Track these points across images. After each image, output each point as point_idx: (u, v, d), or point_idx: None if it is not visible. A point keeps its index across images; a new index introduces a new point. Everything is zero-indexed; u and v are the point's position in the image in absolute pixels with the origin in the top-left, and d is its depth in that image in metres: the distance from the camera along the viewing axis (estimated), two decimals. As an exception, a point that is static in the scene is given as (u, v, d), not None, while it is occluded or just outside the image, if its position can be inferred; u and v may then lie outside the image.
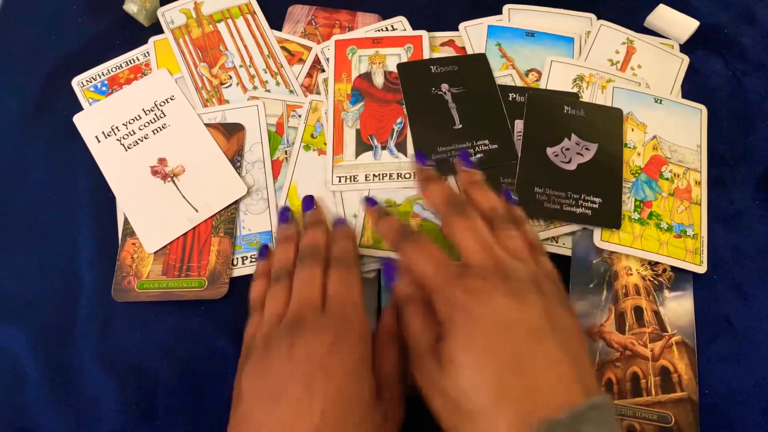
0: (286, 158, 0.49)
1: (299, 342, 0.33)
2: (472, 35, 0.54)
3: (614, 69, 0.52)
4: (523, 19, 0.55)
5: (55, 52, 0.54)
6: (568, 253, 0.46)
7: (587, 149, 0.48)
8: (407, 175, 0.47)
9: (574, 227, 0.46)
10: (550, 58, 0.52)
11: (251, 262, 0.46)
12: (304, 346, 0.33)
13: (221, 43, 0.53)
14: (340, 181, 0.47)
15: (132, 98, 0.51)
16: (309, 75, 0.52)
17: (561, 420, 0.28)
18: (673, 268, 0.46)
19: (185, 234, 0.46)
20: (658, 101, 0.50)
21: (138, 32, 0.54)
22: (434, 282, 0.34)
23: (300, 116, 0.50)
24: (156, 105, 0.50)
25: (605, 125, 0.49)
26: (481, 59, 0.51)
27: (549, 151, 0.48)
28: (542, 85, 0.51)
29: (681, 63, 0.54)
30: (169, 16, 0.54)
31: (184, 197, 0.47)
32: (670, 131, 0.50)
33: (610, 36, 0.54)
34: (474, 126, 0.48)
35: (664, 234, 0.47)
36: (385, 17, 0.55)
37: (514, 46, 0.53)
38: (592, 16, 0.55)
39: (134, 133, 0.49)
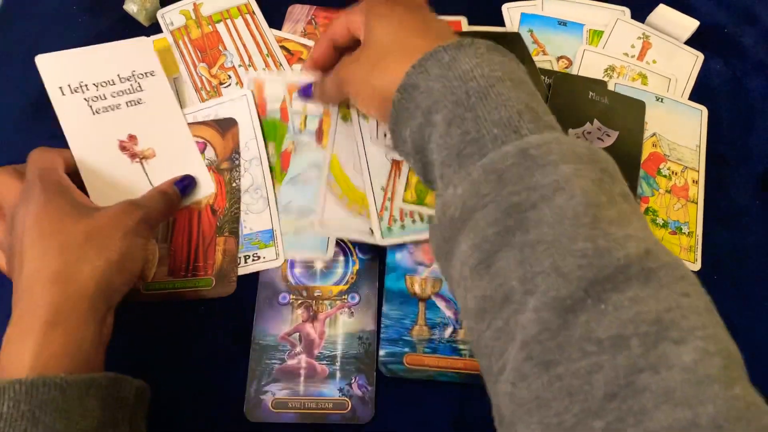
0: (293, 150, 0.48)
1: None
2: (513, 18, 0.56)
3: (645, 63, 0.53)
4: (557, 8, 0.56)
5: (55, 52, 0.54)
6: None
7: (608, 135, 0.48)
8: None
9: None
10: (582, 47, 0.53)
11: (253, 260, 0.46)
12: None
13: (220, 43, 0.53)
14: (386, 136, 0.49)
15: (108, 59, 0.48)
16: (309, 75, 0.52)
17: (441, 47, 0.33)
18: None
19: (189, 234, 0.46)
20: (660, 99, 0.50)
21: (138, 32, 0.54)
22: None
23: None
24: (134, 75, 0.48)
25: (627, 115, 0.49)
26: (517, 38, 0.52)
27: (571, 132, 0.48)
28: (573, 72, 0.52)
29: (696, 60, 0.54)
30: (168, 17, 0.54)
31: (150, 183, 0.46)
32: (669, 129, 0.50)
33: (627, 30, 0.54)
34: None
35: (660, 230, 0.47)
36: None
37: (546, 34, 0.54)
38: (626, 8, 0.55)
39: (105, 98, 0.46)
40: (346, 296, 0.45)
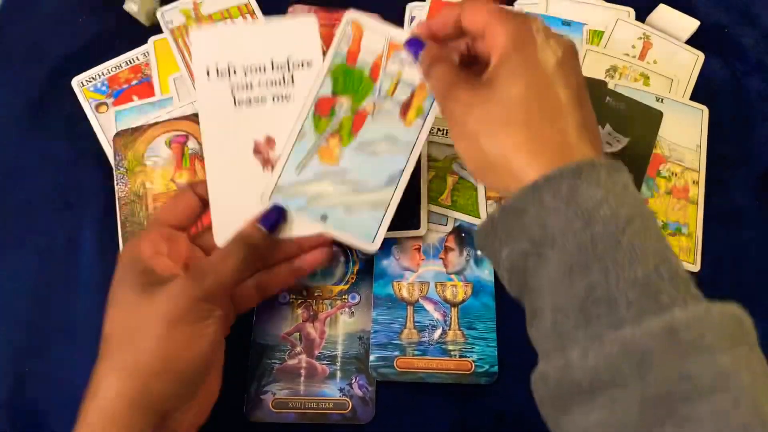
0: (372, 113, 0.40)
1: None
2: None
3: (646, 63, 0.53)
4: (561, 8, 0.56)
5: (55, 52, 0.54)
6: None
7: (618, 141, 0.48)
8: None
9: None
10: (585, 47, 0.53)
11: None
12: None
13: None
14: None
15: (264, 39, 0.41)
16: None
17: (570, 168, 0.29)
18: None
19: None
20: (660, 100, 0.50)
21: (138, 32, 0.54)
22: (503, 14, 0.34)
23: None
24: (289, 64, 0.41)
25: (642, 123, 0.49)
26: None
27: None
28: None
29: (696, 60, 0.54)
30: (168, 16, 0.54)
31: None
32: (669, 130, 0.50)
33: (627, 31, 0.54)
34: None
35: (660, 231, 0.47)
36: (385, 17, 0.55)
37: None
38: (630, 9, 0.55)
39: (251, 87, 0.40)
40: (346, 296, 0.45)
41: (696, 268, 0.46)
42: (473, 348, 0.43)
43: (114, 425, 0.30)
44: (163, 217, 0.38)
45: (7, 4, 0.57)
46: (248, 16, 0.54)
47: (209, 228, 0.40)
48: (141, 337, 0.32)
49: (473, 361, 0.43)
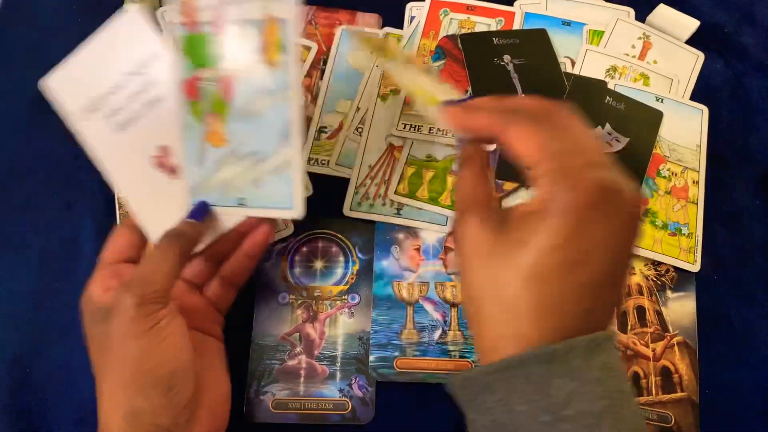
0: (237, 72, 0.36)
1: None
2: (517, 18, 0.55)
3: (646, 63, 0.53)
4: (561, 8, 0.56)
5: (55, 52, 0.54)
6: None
7: (617, 141, 0.48)
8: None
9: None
10: (585, 47, 0.53)
11: None
12: None
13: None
14: (405, 128, 0.49)
15: (105, 55, 0.39)
16: (308, 75, 0.52)
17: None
18: (676, 269, 0.46)
19: None
20: (660, 100, 0.50)
21: (138, 32, 0.54)
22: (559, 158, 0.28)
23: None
24: (139, 64, 0.38)
25: (642, 123, 0.49)
26: (542, 34, 0.52)
27: None
28: (575, 72, 0.52)
29: (696, 60, 0.54)
30: (168, 16, 0.54)
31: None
32: (670, 130, 0.50)
33: (627, 30, 0.54)
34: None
35: (659, 232, 0.47)
36: (385, 17, 0.55)
37: (550, 34, 0.53)
38: (630, 9, 0.55)
39: (123, 107, 0.38)
40: (346, 296, 0.45)
41: (696, 268, 0.46)
42: (473, 348, 0.43)
43: None
44: (106, 258, 0.38)
45: (7, 5, 0.57)
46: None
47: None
48: (110, 365, 0.33)
49: (473, 362, 0.43)
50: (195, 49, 0.36)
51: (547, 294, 0.26)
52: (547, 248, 0.26)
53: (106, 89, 0.38)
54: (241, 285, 0.42)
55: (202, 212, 0.37)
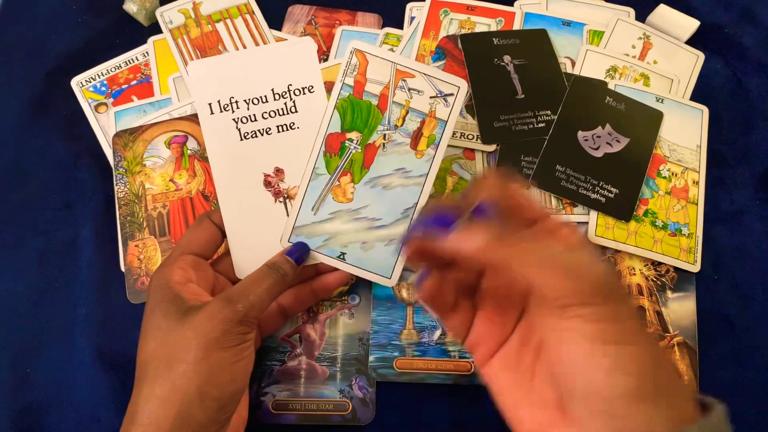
0: (382, 147, 0.40)
1: None
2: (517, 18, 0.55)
3: (646, 63, 0.53)
4: (561, 8, 0.56)
5: (54, 52, 0.54)
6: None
7: (618, 141, 0.48)
8: (470, 136, 0.48)
9: (582, 218, 0.46)
10: (585, 47, 0.53)
11: None
12: None
13: (220, 42, 0.53)
14: None
15: (263, 68, 0.40)
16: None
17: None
18: (676, 269, 0.46)
19: (186, 222, 0.45)
20: (660, 100, 0.50)
21: (138, 32, 0.54)
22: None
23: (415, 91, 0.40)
24: (290, 91, 0.40)
25: (642, 124, 0.49)
26: (542, 34, 0.52)
27: (580, 134, 0.48)
28: (575, 72, 0.52)
29: (696, 60, 0.54)
30: (167, 16, 0.54)
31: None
32: (670, 130, 0.50)
33: (627, 31, 0.54)
34: (536, 96, 0.50)
35: (659, 232, 0.47)
36: (385, 17, 0.55)
37: (550, 34, 0.53)
38: (630, 9, 0.55)
39: (255, 119, 0.40)
40: (346, 297, 0.45)
41: (696, 268, 0.46)
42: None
43: None
44: (187, 245, 0.38)
45: (7, 4, 0.57)
46: (248, 16, 0.54)
47: (225, 254, 0.40)
48: (179, 363, 0.31)
49: (471, 363, 0.43)
50: (352, 110, 0.40)
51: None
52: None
53: (247, 95, 0.40)
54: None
55: (302, 255, 0.39)
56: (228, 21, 0.54)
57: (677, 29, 0.54)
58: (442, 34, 0.53)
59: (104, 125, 0.50)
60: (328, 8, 0.56)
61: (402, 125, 0.40)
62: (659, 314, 0.45)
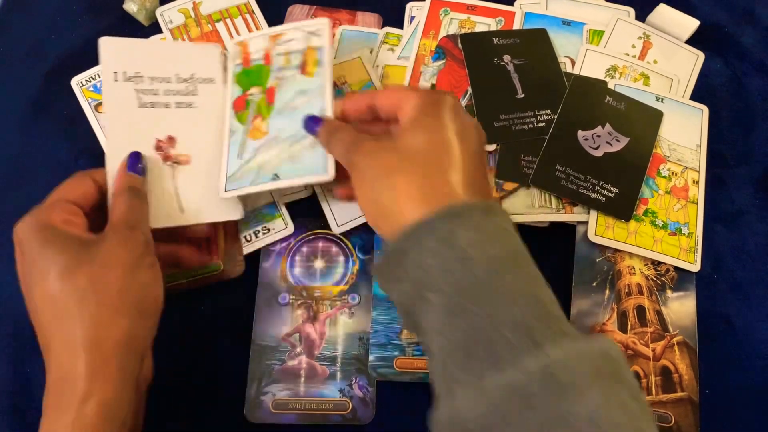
0: (278, 85, 0.44)
1: None
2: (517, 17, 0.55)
3: (646, 63, 0.53)
4: (561, 8, 0.56)
5: (55, 52, 0.54)
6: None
7: (618, 141, 0.48)
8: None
9: (582, 217, 0.46)
10: (584, 47, 0.53)
11: (263, 234, 0.47)
12: None
13: (220, 42, 0.53)
14: None
15: (172, 56, 0.45)
16: (309, 75, 0.52)
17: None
18: (676, 269, 0.46)
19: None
20: (660, 100, 0.50)
21: (138, 32, 0.54)
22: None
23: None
24: (193, 78, 0.44)
25: (642, 123, 0.49)
26: (542, 34, 0.53)
27: (580, 134, 0.48)
28: (575, 72, 0.52)
29: (696, 59, 0.54)
30: (167, 15, 0.54)
31: (176, 190, 0.42)
32: (670, 130, 0.50)
33: (627, 30, 0.54)
34: (536, 96, 0.50)
35: (659, 231, 0.47)
36: (385, 17, 0.55)
37: (550, 34, 0.53)
38: (630, 9, 0.55)
39: (156, 93, 0.43)
40: (346, 296, 0.45)
41: (696, 268, 0.46)
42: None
43: (111, 368, 0.32)
44: (61, 193, 0.38)
45: (7, 4, 0.57)
46: (248, 16, 0.54)
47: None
48: (101, 290, 0.33)
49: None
50: (247, 77, 0.45)
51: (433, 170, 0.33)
52: (417, 143, 0.33)
53: (152, 74, 0.44)
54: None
55: (137, 161, 0.41)
56: (228, 21, 0.54)
57: (677, 29, 0.54)
58: (442, 33, 0.53)
59: (104, 125, 0.50)
60: (328, 8, 0.56)
61: (288, 64, 0.44)
62: (659, 314, 0.45)
